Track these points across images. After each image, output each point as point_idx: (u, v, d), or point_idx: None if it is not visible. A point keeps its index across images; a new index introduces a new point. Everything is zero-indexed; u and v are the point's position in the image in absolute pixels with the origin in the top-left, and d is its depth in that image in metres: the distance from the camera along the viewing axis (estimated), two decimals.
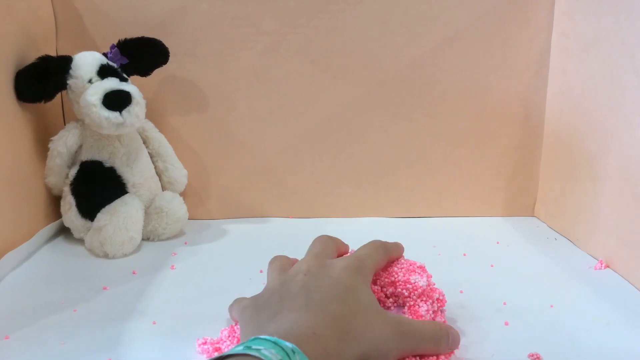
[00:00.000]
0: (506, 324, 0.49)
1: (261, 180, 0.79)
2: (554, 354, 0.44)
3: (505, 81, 0.76)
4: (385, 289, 0.46)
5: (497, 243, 0.70)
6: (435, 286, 0.48)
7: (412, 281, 0.46)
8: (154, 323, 0.49)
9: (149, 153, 0.73)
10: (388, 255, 0.47)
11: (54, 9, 0.73)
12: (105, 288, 0.57)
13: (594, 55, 0.64)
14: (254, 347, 0.31)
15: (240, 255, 0.66)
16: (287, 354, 0.31)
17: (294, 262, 0.47)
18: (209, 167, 0.78)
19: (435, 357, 0.41)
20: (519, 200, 0.80)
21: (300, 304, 0.38)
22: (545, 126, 0.77)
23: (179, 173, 0.75)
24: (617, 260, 0.60)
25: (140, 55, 0.70)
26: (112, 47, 0.69)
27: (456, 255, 0.66)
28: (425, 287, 0.46)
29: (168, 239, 0.71)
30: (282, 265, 0.47)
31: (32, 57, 0.65)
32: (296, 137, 0.77)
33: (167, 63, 0.71)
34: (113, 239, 0.64)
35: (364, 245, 0.47)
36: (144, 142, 0.73)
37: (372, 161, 0.78)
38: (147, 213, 0.70)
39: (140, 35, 0.70)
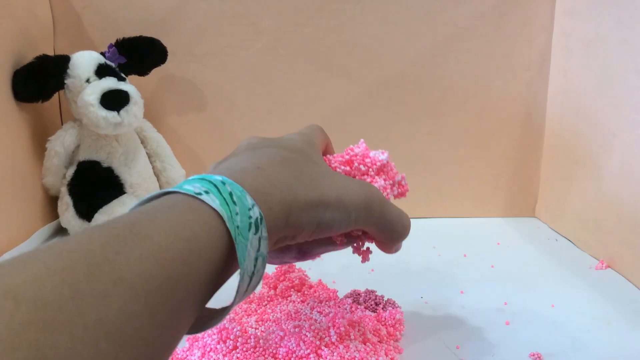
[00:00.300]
0: (507, 323, 0.49)
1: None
2: (555, 354, 0.44)
3: (506, 81, 0.75)
4: (340, 169, 0.41)
5: (498, 244, 0.69)
6: (402, 175, 0.44)
7: (372, 155, 0.41)
8: None
9: (147, 153, 0.73)
10: (327, 139, 0.44)
11: (52, 8, 0.73)
12: None
13: (595, 55, 0.64)
14: (182, 186, 0.28)
15: None
16: (215, 186, 0.28)
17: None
18: (207, 167, 0.77)
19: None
20: (520, 200, 0.79)
21: (250, 149, 0.35)
22: (546, 126, 0.76)
23: (177, 173, 0.75)
24: (618, 260, 0.60)
25: (138, 55, 0.69)
26: (110, 46, 0.68)
27: (457, 256, 0.65)
28: (385, 163, 0.41)
29: None
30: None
31: (29, 57, 0.65)
32: None
33: (166, 62, 0.71)
34: None
35: (302, 129, 0.43)
36: (142, 142, 0.72)
37: None
38: None
39: (138, 35, 0.69)
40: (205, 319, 0.29)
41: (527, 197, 0.79)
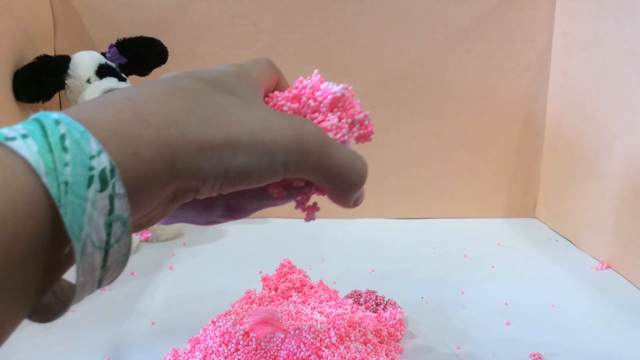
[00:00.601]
0: (507, 324, 0.49)
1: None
2: (555, 354, 0.44)
3: (506, 81, 0.75)
4: (286, 107, 0.34)
5: (498, 244, 0.69)
6: (365, 114, 0.35)
7: (322, 87, 0.34)
8: (153, 323, 0.49)
9: None
10: (276, 73, 0.36)
11: (53, 9, 0.73)
12: (103, 289, 0.56)
13: (595, 55, 0.64)
14: None
15: (239, 256, 0.66)
16: (43, 126, 0.21)
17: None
18: None
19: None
20: (520, 201, 0.79)
21: (143, 83, 0.27)
22: (546, 126, 0.76)
23: None
24: (618, 260, 0.60)
25: (138, 55, 0.69)
26: (111, 46, 0.68)
27: (457, 256, 0.65)
28: (340, 96, 0.34)
29: (166, 240, 0.70)
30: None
31: (30, 57, 0.65)
32: None
33: (166, 62, 0.71)
34: None
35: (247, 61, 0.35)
36: None
37: (372, 162, 0.77)
38: None
39: (138, 35, 0.69)
40: (57, 305, 0.23)
41: (528, 197, 0.79)
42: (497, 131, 0.77)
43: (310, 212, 0.36)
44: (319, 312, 0.47)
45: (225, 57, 0.74)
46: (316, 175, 0.30)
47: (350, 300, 0.49)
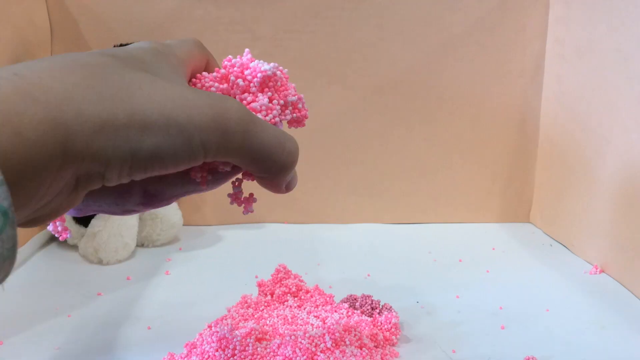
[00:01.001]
0: (502, 328, 0.49)
1: (256, 185, 0.78)
2: (549, 358, 0.44)
3: (500, 87, 0.76)
4: (214, 88, 0.32)
5: (493, 249, 0.70)
6: (299, 96, 0.35)
7: (252, 66, 0.32)
8: (149, 328, 0.49)
9: None
10: (206, 55, 0.34)
11: (49, 14, 0.73)
12: (99, 294, 0.56)
13: (589, 61, 0.64)
14: None
15: (235, 261, 0.66)
16: None
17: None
18: None
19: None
20: (515, 206, 0.80)
21: (40, 59, 0.25)
22: (540, 132, 0.77)
23: None
24: (612, 265, 0.60)
25: None
26: None
27: (452, 261, 0.66)
28: (271, 75, 0.32)
29: (163, 245, 0.70)
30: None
31: None
32: None
33: None
34: (107, 245, 0.64)
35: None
36: None
37: (367, 167, 0.78)
38: (141, 219, 0.69)
39: (135, 41, 0.70)
40: None
41: (522, 202, 0.80)
42: (492, 137, 0.77)
43: (247, 205, 0.34)
44: (315, 316, 0.48)
45: (221, 64, 0.74)
46: (241, 158, 0.27)
47: (346, 305, 0.50)
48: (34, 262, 0.65)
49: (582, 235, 0.66)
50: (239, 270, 0.63)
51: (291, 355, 0.40)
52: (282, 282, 0.52)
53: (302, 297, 0.51)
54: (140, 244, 0.70)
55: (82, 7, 0.73)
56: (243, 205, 0.34)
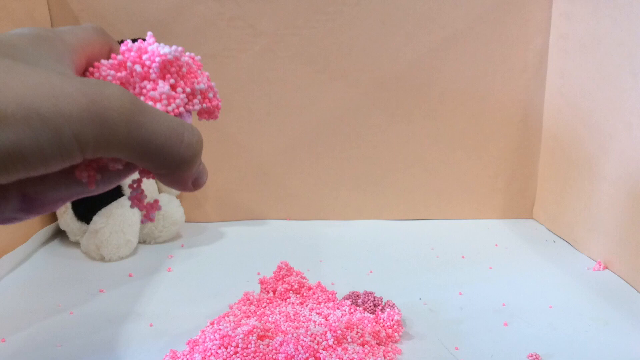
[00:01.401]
0: (505, 324, 0.49)
1: (258, 182, 0.78)
2: (552, 354, 0.44)
3: (503, 83, 0.75)
4: (110, 78, 0.28)
5: (496, 245, 0.70)
6: (210, 84, 0.31)
7: (150, 50, 0.29)
8: (151, 325, 0.49)
9: None
10: (107, 42, 0.29)
11: (50, 11, 0.73)
12: (101, 291, 0.56)
13: (592, 57, 0.64)
14: None
15: (237, 258, 0.66)
16: None
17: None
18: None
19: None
20: (518, 202, 0.80)
21: None
22: (543, 128, 0.76)
23: None
24: (615, 261, 0.60)
25: None
26: None
27: (455, 257, 0.65)
28: (171, 59, 0.29)
29: (165, 241, 0.70)
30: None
31: None
32: (293, 139, 0.77)
33: None
34: (109, 241, 0.63)
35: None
36: None
37: (370, 163, 0.78)
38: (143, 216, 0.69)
39: (136, 37, 0.69)
40: None
41: (525, 198, 0.80)
42: (495, 132, 0.77)
43: (150, 211, 0.30)
44: (317, 313, 0.48)
45: (222, 59, 0.74)
46: (129, 152, 0.24)
47: (348, 302, 0.49)
48: (36, 259, 0.65)
49: (586, 231, 0.66)
50: (241, 267, 0.63)
51: (293, 353, 0.40)
52: (285, 280, 0.52)
53: (305, 294, 0.51)
54: (142, 241, 0.70)
55: (82, 3, 0.72)
56: (145, 210, 0.30)
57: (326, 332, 0.41)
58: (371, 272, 0.61)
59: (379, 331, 0.44)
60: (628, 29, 0.57)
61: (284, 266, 0.53)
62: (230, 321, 0.45)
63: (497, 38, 0.74)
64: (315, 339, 0.41)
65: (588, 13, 0.65)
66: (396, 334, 0.46)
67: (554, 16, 0.72)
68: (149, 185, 0.72)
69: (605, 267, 0.61)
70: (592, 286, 0.57)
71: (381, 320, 0.46)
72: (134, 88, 0.27)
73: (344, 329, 0.42)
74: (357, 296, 0.50)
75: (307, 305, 0.49)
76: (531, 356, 0.43)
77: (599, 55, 0.62)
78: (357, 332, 0.43)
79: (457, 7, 0.73)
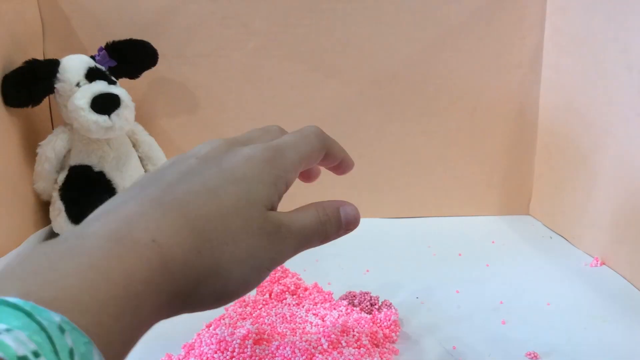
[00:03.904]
0: (503, 322, 0.49)
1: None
2: (551, 352, 0.44)
3: (498, 79, 0.75)
4: None
5: (493, 242, 0.69)
6: None
7: None
8: None
9: (139, 157, 0.72)
10: (324, 147, 0.35)
11: (41, 12, 0.72)
12: None
13: (587, 51, 0.64)
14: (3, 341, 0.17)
15: None
16: (50, 338, 0.18)
17: (272, 137, 0.34)
18: None
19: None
20: (514, 198, 0.79)
21: (157, 195, 0.27)
22: (539, 123, 0.76)
23: None
24: (612, 257, 0.60)
25: (128, 58, 0.69)
26: (100, 49, 0.68)
27: (451, 255, 0.65)
28: None
29: None
30: (243, 136, 0.35)
31: (18, 61, 0.64)
32: None
33: (156, 65, 0.71)
34: None
35: (294, 131, 0.34)
36: (134, 146, 0.72)
37: (365, 161, 0.78)
38: None
39: (128, 37, 0.69)
40: None
41: (521, 195, 0.79)
42: (490, 129, 0.77)
43: None
44: (314, 314, 0.47)
45: (216, 59, 0.73)
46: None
47: (345, 302, 0.49)
48: None
49: (583, 227, 0.65)
50: None
51: (290, 356, 0.40)
52: (280, 282, 0.51)
53: (301, 295, 0.51)
54: None
55: (73, 3, 0.72)
56: None
57: (319, 338, 0.41)
58: (368, 271, 0.61)
59: (376, 332, 0.44)
60: (623, 23, 0.57)
61: (279, 268, 0.52)
62: (226, 324, 0.45)
63: (492, 34, 0.74)
64: (310, 344, 0.41)
65: (583, 8, 0.64)
66: (393, 334, 0.45)
67: (549, 11, 0.72)
68: None
69: (603, 263, 0.61)
70: (589, 282, 0.57)
71: (378, 321, 0.46)
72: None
73: (339, 333, 0.42)
74: (354, 296, 0.50)
75: (303, 307, 0.49)
76: (529, 354, 0.43)
77: (594, 50, 0.62)
78: (353, 336, 0.42)
79: (451, 3, 0.73)
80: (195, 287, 0.26)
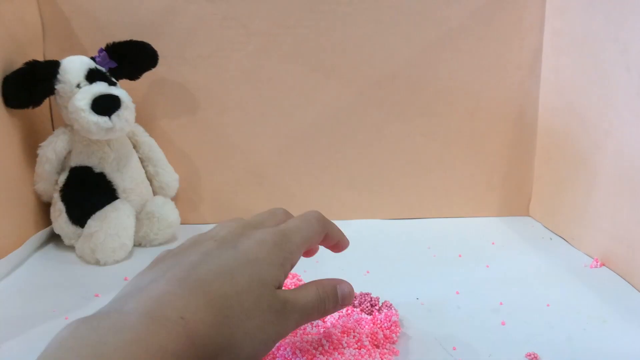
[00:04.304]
0: (503, 323, 0.49)
1: (254, 182, 0.78)
2: (551, 354, 0.44)
3: (498, 80, 0.75)
4: None
5: (493, 243, 0.69)
6: None
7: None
8: None
9: (139, 158, 0.72)
10: (324, 230, 0.41)
11: (41, 13, 0.72)
12: (97, 295, 0.56)
13: (586, 53, 0.64)
14: None
15: None
16: None
17: (278, 221, 0.40)
18: (200, 171, 0.77)
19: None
20: (514, 199, 0.80)
21: (183, 275, 0.32)
22: (538, 125, 0.76)
23: (170, 177, 0.75)
24: (612, 258, 0.60)
25: (129, 59, 0.69)
26: (101, 50, 0.68)
27: (451, 256, 0.65)
28: None
29: (160, 244, 0.70)
30: (253, 219, 0.40)
31: (19, 63, 0.64)
32: (289, 139, 0.77)
33: (157, 66, 0.71)
34: (104, 245, 0.63)
35: (298, 216, 0.40)
36: (134, 147, 0.72)
37: (365, 162, 0.78)
38: (138, 219, 0.69)
39: (128, 39, 0.69)
40: None
41: (521, 196, 0.79)
42: (490, 130, 0.77)
43: None
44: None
45: (216, 60, 0.74)
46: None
47: None
48: (31, 263, 0.64)
49: (582, 228, 0.66)
50: None
51: (290, 357, 0.40)
52: None
53: None
54: (138, 244, 0.69)
55: (73, 4, 0.72)
56: None
57: (320, 339, 0.41)
58: (368, 272, 0.61)
59: (376, 333, 0.44)
60: (621, 24, 0.57)
61: None
62: None
63: (491, 35, 0.74)
64: (311, 345, 0.41)
65: (582, 9, 0.64)
66: (394, 335, 0.45)
67: (548, 12, 0.72)
68: (144, 188, 0.71)
69: (602, 264, 0.61)
70: (589, 283, 0.57)
71: (378, 322, 0.46)
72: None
73: (340, 334, 0.42)
74: (355, 297, 0.50)
75: None
76: (529, 355, 0.43)
77: (594, 51, 0.62)
78: (354, 337, 0.42)
79: (451, 4, 0.73)
80: (213, 358, 0.29)
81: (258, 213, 0.41)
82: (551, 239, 0.71)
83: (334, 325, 0.44)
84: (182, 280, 0.31)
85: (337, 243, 0.43)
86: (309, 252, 0.44)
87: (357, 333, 0.43)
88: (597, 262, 0.61)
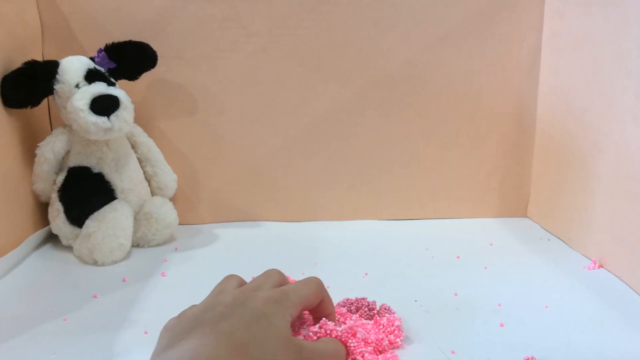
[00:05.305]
0: (501, 325, 0.49)
1: (252, 183, 0.78)
2: (549, 355, 0.44)
3: (497, 81, 0.75)
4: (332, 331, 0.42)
5: (491, 244, 0.69)
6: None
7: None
8: (146, 332, 0.48)
9: (137, 158, 0.72)
10: (321, 295, 0.44)
11: (40, 14, 0.72)
12: (95, 296, 0.56)
13: (585, 54, 0.64)
14: None
15: (233, 261, 0.66)
16: None
17: (274, 282, 0.44)
18: (199, 171, 0.77)
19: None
20: (512, 201, 0.80)
21: (206, 330, 0.36)
22: (537, 126, 0.76)
23: (168, 178, 0.75)
24: (610, 259, 0.60)
25: (128, 59, 0.69)
26: (100, 51, 0.68)
27: (450, 257, 0.65)
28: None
29: (158, 245, 0.70)
30: (227, 284, 0.45)
31: (18, 63, 0.64)
32: (287, 139, 0.77)
33: (156, 66, 0.71)
34: (102, 245, 0.63)
35: (298, 280, 0.45)
36: (133, 147, 0.72)
37: (364, 163, 0.78)
38: (136, 219, 0.69)
39: (127, 39, 0.69)
40: None
41: (519, 197, 0.80)
42: (488, 131, 0.77)
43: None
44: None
45: (215, 61, 0.73)
46: None
47: (344, 309, 0.49)
48: (28, 264, 0.64)
49: (581, 229, 0.66)
50: (235, 271, 0.61)
51: None
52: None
53: None
54: (136, 245, 0.69)
55: (72, 5, 0.72)
56: None
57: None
58: (366, 274, 0.61)
59: (382, 339, 0.44)
60: (620, 25, 0.57)
61: None
62: None
63: (491, 36, 0.74)
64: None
65: (581, 11, 0.64)
66: (398, 340, 0.45)
67: (547, 14, 0.72)
68: (142, 189, 0.71)
69: (601, 266, 0.61)
70: (587, 285, 0.57)
71: (381, 327, 0.46)
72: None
73: (344, 339, 0.42)
74: (351, 303, 0.50)
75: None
76: (528, 359, 0.43)
77: (592, 53, 0.62)
78: (358, 340, 0.42)
79: (450, 6, 0.73)
80: None
81: (254, 278, 0.45)
82: (549, 240, 0.71)
83: (334, 330, 0.43)
84: (208, 334, 0.35)
85: (327, 316, 0.45)
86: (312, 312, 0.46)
87: (361, 338, 0.43)
88: (595, 264, 0.61)
